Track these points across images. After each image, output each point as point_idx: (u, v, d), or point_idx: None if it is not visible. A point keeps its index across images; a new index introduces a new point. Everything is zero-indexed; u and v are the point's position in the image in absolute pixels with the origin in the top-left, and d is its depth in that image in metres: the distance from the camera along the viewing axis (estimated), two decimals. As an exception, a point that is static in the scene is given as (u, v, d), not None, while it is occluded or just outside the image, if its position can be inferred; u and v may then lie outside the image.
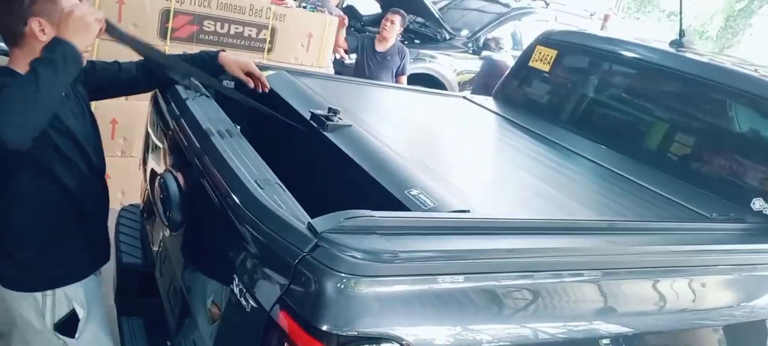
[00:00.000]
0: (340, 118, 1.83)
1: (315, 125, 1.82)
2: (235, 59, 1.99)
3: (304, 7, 4.48)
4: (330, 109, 1.85)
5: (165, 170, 1.76)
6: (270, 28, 3.81)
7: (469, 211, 1.41)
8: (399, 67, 4.80)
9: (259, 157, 1.50)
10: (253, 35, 3.78)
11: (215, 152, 1.47)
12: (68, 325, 1.66)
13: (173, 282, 1.70)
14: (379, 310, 1.11)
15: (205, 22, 3.59)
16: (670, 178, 2.14)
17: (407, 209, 1.39)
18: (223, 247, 1.36)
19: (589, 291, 1.41)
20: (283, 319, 1.09)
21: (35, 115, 1.33)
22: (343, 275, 1.06)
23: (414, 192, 1.43)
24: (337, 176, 1.81)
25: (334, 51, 4.77)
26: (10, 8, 1.44)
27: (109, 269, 1.91)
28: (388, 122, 2.29)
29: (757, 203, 1.93)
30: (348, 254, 1.08)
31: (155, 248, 1.95)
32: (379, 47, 4.71)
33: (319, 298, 1.05)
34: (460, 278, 1.21)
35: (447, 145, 2.26)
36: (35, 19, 1.43)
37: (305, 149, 2.01)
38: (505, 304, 1.28)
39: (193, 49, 3.53)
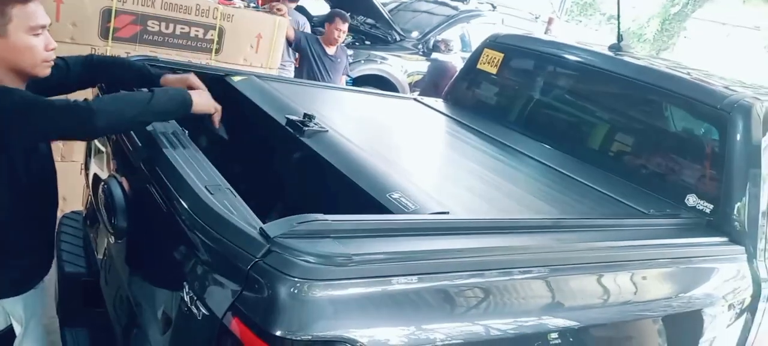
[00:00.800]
0: (315, 124, 1.82)
1: (291, 131, 1.81)
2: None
3: (255, 8, 4.41)
4: (305, 115, 1.84)
5: (109, 176, 1.70)
6: (217, 28, 3.74)
7: (448, 213, 1.45)
8: (345, 67, 4.94)
9: (209, 162, 1.48)
10: (200, 36, 3.70)
11: (162, 156, 1.44)
12: (3, 340, 1.58)
13: (119, 291, 1.65)
14: (333, 313, 1.11)
15: (149, 22, 3.48)
16: (610, 176, 2.23)
17: (390, 212, 1.41)
18: (172, 254, 1.32)
19: (538, 287, 1.46)
20: (235, 326, 1.07)
21: (124, 126, 1.55)
22: (296, 279, 1.06)
23: (395, 195, 1.45)
24: (316, 181, 1.81)
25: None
26: None
27: (51, 278, 1.83)
28: (356, 126, 2.30)
29: (691, 199, 2.04)
30: (301, 258, 1.08)
31: (100, 256, 1.88)
32: (330, 51, 4.77)
33: (273, 303, 1.05)
34: (414, 278, 1.23)
35: (410, 148, 2.29)
36: None
37: (281, 155, 1.99)
38: (458, 302, 1.30)
39: (136, 49, 3.42)
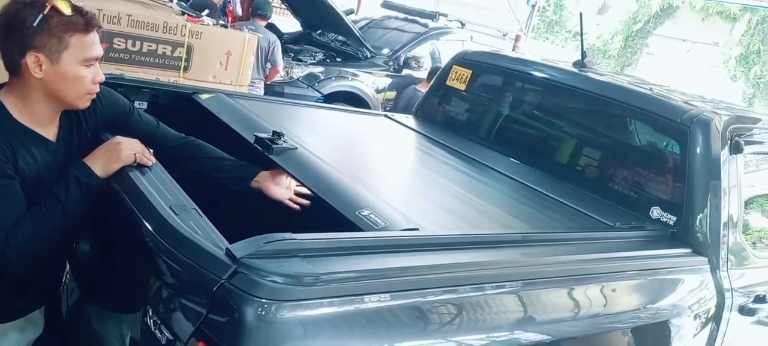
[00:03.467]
0: (284, 141, 1.80)
1: (260, 149, 1.78)
2: (273, 183, 1.72)
3: (224, 26, 4.39)
4: (274, 133, 1.82)
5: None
6: (186, 45, 3.70)
7: (418, 229, 1.44)
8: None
9: (174, 182, 1.45)
10: (168, 53, 3.66)
11: (126, 177, 1.41)
12: None
13: (81, 317, 1.59)
14: (303, 334, 1.09)
15: (115, 40, 3.44)
16: (577, 189, 2.26)
17: (360, 230, 1.40)
18: (135, 277, 1.29)
19: (510, 302, 1.46)
20: (201, 350, 1.05)
21: (44, 249, 1.40)
22: (263, 300, 1.04)
23: (365, 212, 1.44)
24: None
25: None
26: (10, 35, 1.33)
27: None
28: (326, 143, 2.29)
29: (655, 212, 2.08)
30: (268, 279, 1.06)
31: (62, 279, 1.82)
32: None
33: (239, 326, 1.02)
34: (384, 296, 1.22)
35: (381, 165, 2.29)
36: (33, 53, 1.32)
37: None
38: (431, 319, 1.30)
39: (103, 67, 3.36)
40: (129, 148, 1.48)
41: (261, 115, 2.14)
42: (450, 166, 2.33)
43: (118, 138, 1.50)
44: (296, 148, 1.83)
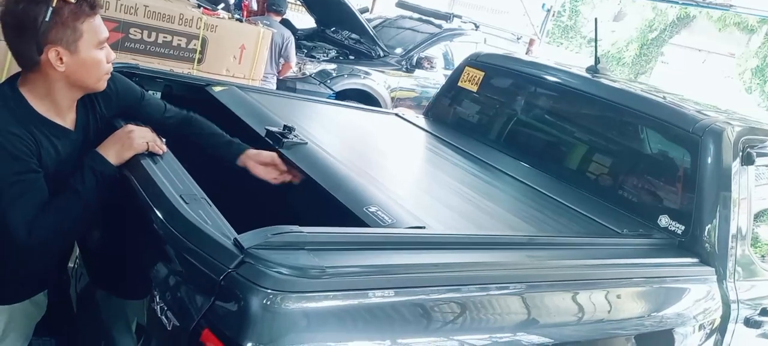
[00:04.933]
0: (295, 136, 1.82)
1: (271, 142, 1.79)
2: (256, 162, 1.74)
3: (238, 20, 4.42)
4: (285, 127, 1.84)
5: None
6: (201, 38, 3.73)
7: (424, 227, 1.45)
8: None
9: (185, 171, 1.46)
10: (183, 45, 3.69)
11: (138, 165, 1.42)
12: None
13: (89, 300, 1.62)
14: (307, 326, 1.10)
15: (132, 30, 3.47)
16: (586, 195, 2.25)
17: (367, 226, 1.40)
18: (143, 264, 1.31)
19: (514, 303, 1.47)
20: (206, 337, 1.06)
21: (62, 242, 1.43)
22: (269, 291, 1.05)
23: (372, 209, 1.45)
24: (294, 193, 1.79)
25: None
26: (23, 34, 1.32)
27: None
28: (336, 139, 2.30)
29: (664, 220, 2.07)
30: (274, 269, 1.07)
31: (70, 265, 1.84)
32: None
33: (244, 315, 1.04)
34: (389, 292, 1.22)
35: (390, 163, 2.30)
36: (52, 47, 1.33)
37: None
38: (434, 317, 1.30)
39: (118, 57, 3.40)
40: (141, 136, 1.50)
41: (273, 110, 2.16)
42: (459, 166, 2.34)
43: (130, 126, 1.52)
44: (306, 143, 1.84)
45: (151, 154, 1.50)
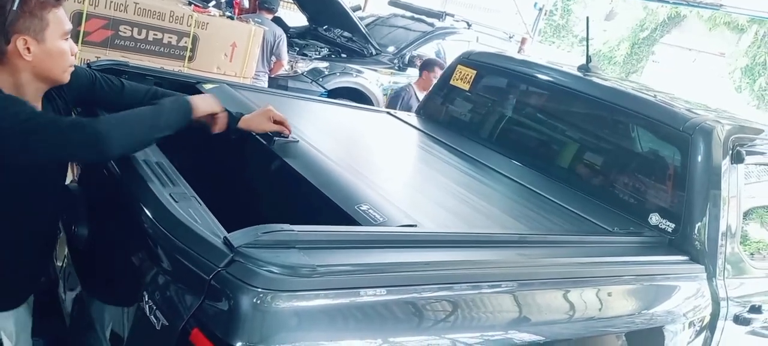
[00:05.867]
0: (286, 134, 1.80)
1: (262, 141, 1.79)
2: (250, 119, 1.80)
3: (230, 17, 4.39)
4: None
5: (71, 181, 1.66)
6: (191, 35, 3.71)
7: (416, 226, 1.44)
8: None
9: (175, 170, 1.45)
10: (173, 42, 3.67)
11: (127, 163, 1.41)
12: None
13: (78, 300, 1.60)
14: (297, 325, 1.10)
15: (121, 27, 3.44)
16: (576, 193, 2.26)
17: (358, 224, 1.40)
18: (133, 262, 1.30)
19: (505, 301, 1.47)
20: (195, 336, 1.05)
21: (135, 148, 1.45)
22: (259, 290, 1.04)
23: (364, 207, 1.45)
24: (285, 192, 1.79)
25: None
26: None
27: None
28: (328, 137, 2.29)
29: (654, 218, 2.08)
30: (264, 268, 1.07)
31: (59, 264, 1.83)
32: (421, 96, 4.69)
33: (234, 314, 1.03)
34: (381, 290, 1.22)
35: (382, 161, 2.29)
36: (20, 36, 1.33)
37: (250, 165, 1.97)
38: (426, 315, 1.30)
39: (107, 54, 3.38)
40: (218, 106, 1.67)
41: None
42: (450, 165, 2.34)
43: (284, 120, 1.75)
44: (298, 141, 1.83)
45: (140, 153, 1.48)
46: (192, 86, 2.22)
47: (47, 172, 1.46)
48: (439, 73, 4.46)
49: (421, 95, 4.49)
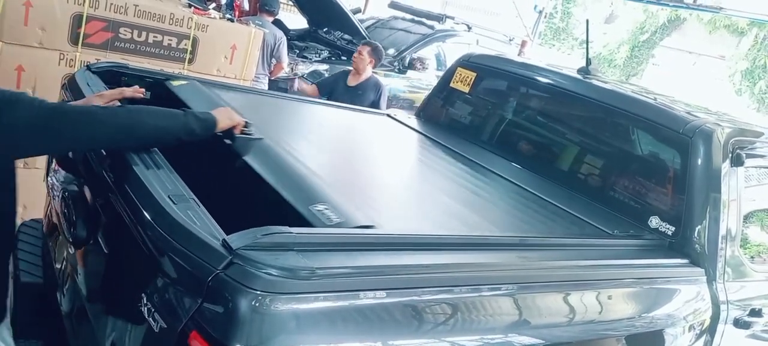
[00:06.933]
0: (251, 131, 1.73)
1: (221, 136, 1.69)
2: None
3: (230, 20, 4.39)
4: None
5: (70, 183, 1.66)
6: (191, 38, 3.70)
7: (373, 226, 1.39)
8: (372, 103, 4.25)
9: (173, 171, 1.45)
10: (173, 45, 3.66)
11: (126, 165, 1.41)
12: None
13: (76, 302, 1.60)
14: (296, 328, 1.09)
15: (121, 30, 3.43)
16: (576, 196, 2.26)
17: (310, 225, 1.34)
18: (131, 265, 1.30)
19: (505, 304, 1.46)
20: (194, 339, 1.05)
21: (155, 143, 1.51)
22: (257, 292, 1.04)
23: (319, 207, 1.39)
24: (244, 190, 1.73)
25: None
26: None
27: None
28: (299, 136, 2.24)
29: (654, 221, 2.08)
30: (263, 271, 1.06)
31: (58, 266, 1.82)
32: (351, 81, 4.36)
33: (233, 317, 1.03)
34: (379, 293, 1.22)
35: (363, 162, 2.24)
36: None
37: (213, 163, 1.90)
38: (425, 318, 1.30)
39: (107, 56, 3.37)
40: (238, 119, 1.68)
41: (235, 105, 2.00)
42: (450, 167, 2.33)
43: (122, 93, 1.68)
44: (262, 138, 1.74)
45: (136, 151, 1.48)
46: (161, 83, 2.16)
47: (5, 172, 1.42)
48: (362, 51, 4.32)
49: (350, 80, 4.33)
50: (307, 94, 4.50)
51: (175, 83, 2.12)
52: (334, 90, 4.43)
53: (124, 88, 1.70)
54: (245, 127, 1.73)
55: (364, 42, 4.64)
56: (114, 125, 1.40)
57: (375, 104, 4.18)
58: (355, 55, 4.42)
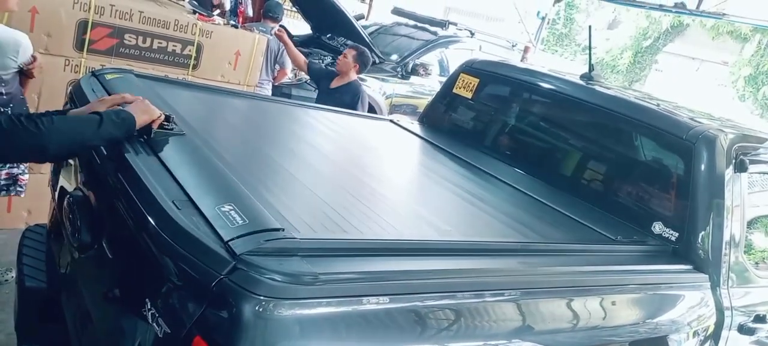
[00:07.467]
0: (172, 126, 1.64)
1: (139, 133, 1.58)
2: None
3: (234, 26, 4.41)
4: (164, 116, 1.63)
5: (75, 189, 1.67)
6: (195, 44, 3.73)
7: (282, 229, 1.23)
8: (347, 107, 3.93)
9: (176, 175, 1.45)
10: (178, 51, 3.68)
11: (130, 170, 1.41)
12: None
13: (80, 307, 1.60)
14: (300, 333, 1.10)
15: (126, 36, 3.46)
16: (579, 202, 2.25)
17: (210, 225, 1.22)
18: (135, 270, 1.30)
19: (508, 310, 1.46)
20: (197, 344, 1.05)
21: (75, 151, 1.52)
22: (261, 298, 1.04)
23: (225, 208, 1.27)
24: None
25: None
26: None
27: (11, 293, 1.77)
28: (234, 135, 2.13)
29: (657, 227, 2.07)
30: (267, 276, 1.07)
31: (62, 271, 1.83)
32: (334, 83, 4.23)
33: (236, 322, 1.03)
34: (384, 299, 1.22)
35: (364, 168, 2.17)
36: None
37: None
38: (428, 324, 1.30)
39: (112, 62, 3.39)
40: (154, 106, 1.62)
41: (171, 101, 1.95)
42: (449, 171, 2.33)
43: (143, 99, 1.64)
44: (183, 134, 1.65)
45: (142, 159, 1.49)
46: (92, 75, 2.07)
47: None
48: (347, 54, 4.21)
49: (332, 83, 4.22)
50: (289, 50, 4.47)
51: (108, 76, 2.04)
52: (319, 83, 4.39)
53: (126, 94, 1.69)
54: (167, 121, 1.64)
55: (350, 45, 4.56)
56: (25, 145, 1.37)
57: (350, 109, 3.85)
58: (339, 57, 4.33)
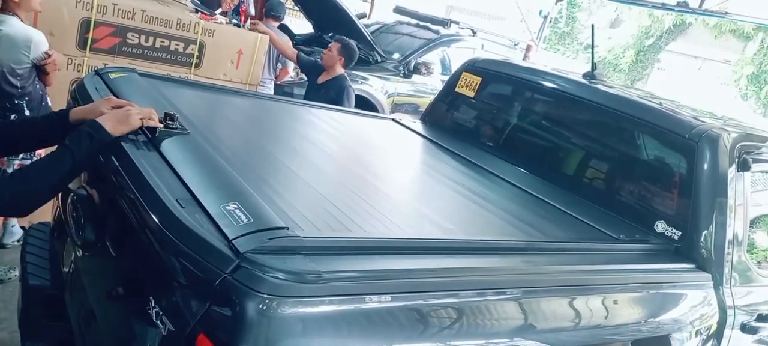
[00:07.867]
0: (177, 125, 1.62)
1: (142, 129, 1.58)
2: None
3: (236, 25, 4.42)
4: (167, 114, 1.62)
5: (79, 187, 1.67)
6: (198, 43, 3.73)
7: (287, 228, 1.23)
8: (332, 102, 3.85)
9: (180, 175, 1.45)
10: (180, 49, 3.69)
11: (133, 168, 1.42)
12: None
13: (84, 305, 1.61)
14: (303, 331, 1.10)
15: (129, 35, 3.47)
16: (582, 201, 2.25)
17: (215, 223, 1.22)
18: (139, 268, 1.30)
19: (510, 309, 1.46)
20: (201, 342, 1.06)
21: (52, 196, 1.46)
22: (265, 296, 1.05)
23: (230, 207, 1.27)
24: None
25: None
26: None
27: (14, 291, 1.77)
28: (236, 134, 2.12)
29: (660, 226, 2.07)
30: (270, 274, 1.07)
31: (65, 269, 1.84)
32: (320, 79, 4.17)
33: (240, 320, 1.03)
34: (386, 297, 1.22)
35: (367, 166, 2.18)
36: None
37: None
38: (431, 322, 1.30)
39: (115, 61, 3.40)
40: (137, 113, 1.55)
41: (174, 99, 1.96)
42: (436, 169, 2.33)
43: (131, 104, 1.57)
44: (188, 133, 1.64)
45: (145, 157, 1.49)
46: (97, 74, 2.07)
47: None
48: (331, 47, 4.08)
49: (319, 78, 4.14)
50: (274, 41, 4.34)
51: (112, 75, 2.03)
52: (309, 76, 4.31)
53: (123, 102, 1.63)
54: (170, 120, 1.61)
55: (336, 38, 4.42)
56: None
57: (336, 104, 3.70)
58: (324, 51, 4.20)
